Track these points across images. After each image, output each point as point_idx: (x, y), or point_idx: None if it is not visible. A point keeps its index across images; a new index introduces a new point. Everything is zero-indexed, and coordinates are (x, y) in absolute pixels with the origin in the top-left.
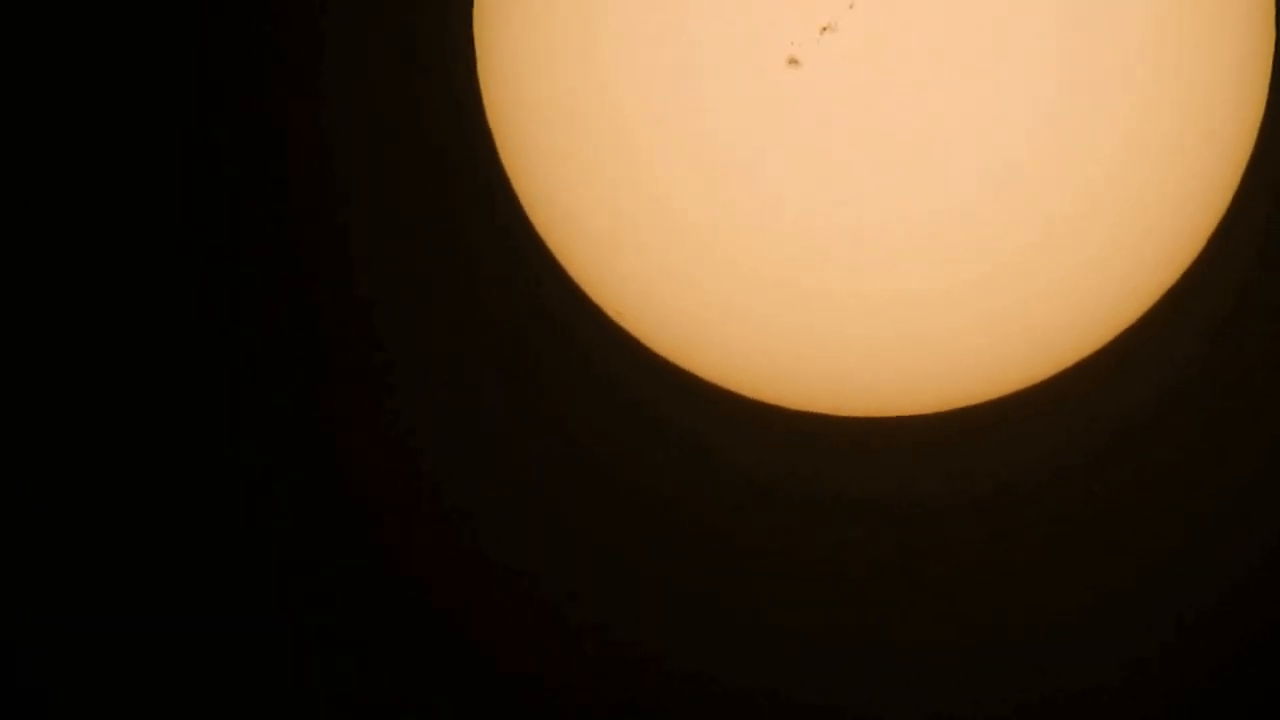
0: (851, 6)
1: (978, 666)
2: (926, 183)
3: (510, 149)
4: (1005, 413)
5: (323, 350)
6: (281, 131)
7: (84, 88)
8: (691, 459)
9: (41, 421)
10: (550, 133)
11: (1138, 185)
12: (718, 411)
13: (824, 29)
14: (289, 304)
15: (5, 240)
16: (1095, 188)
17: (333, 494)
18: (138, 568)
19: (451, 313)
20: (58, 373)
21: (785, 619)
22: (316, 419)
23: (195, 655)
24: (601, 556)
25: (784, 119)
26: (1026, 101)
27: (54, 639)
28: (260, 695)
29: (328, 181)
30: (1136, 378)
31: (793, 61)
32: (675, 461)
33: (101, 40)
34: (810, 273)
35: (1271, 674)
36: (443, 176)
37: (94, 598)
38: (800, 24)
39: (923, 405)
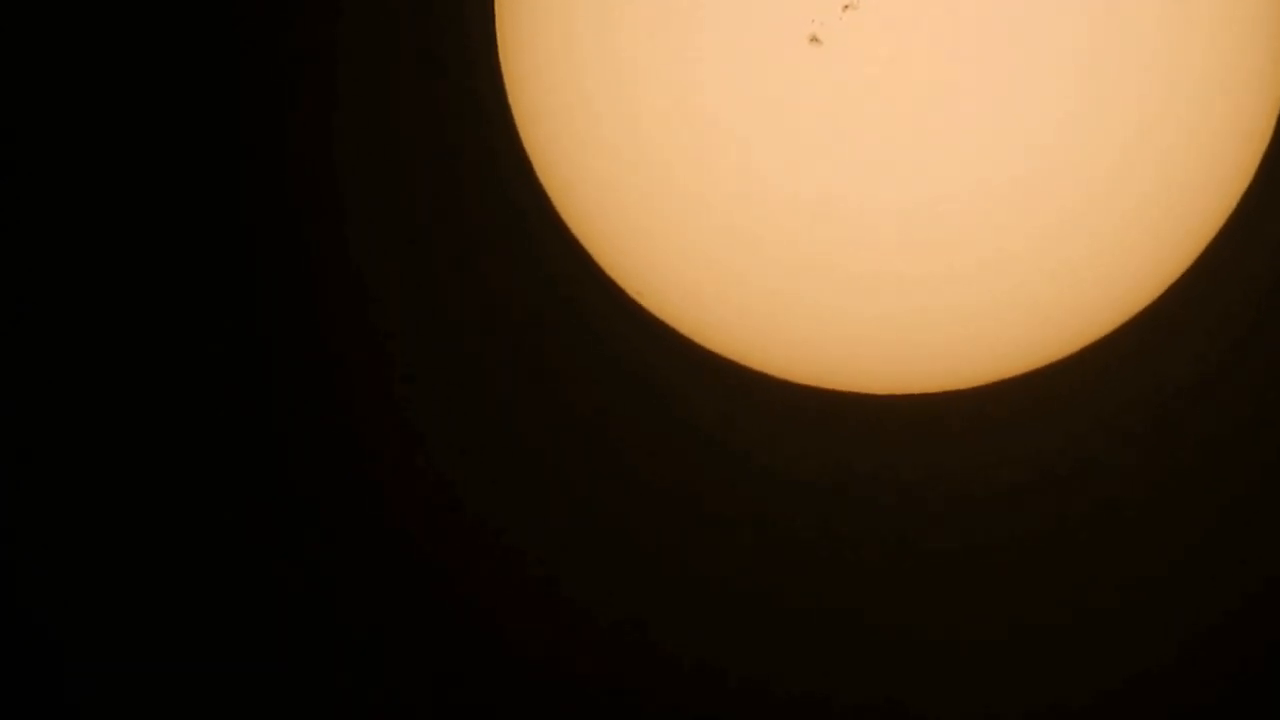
0: None
1: (992, 655)
2: (947, 162)
3: (531, 130)
4: (1025, 390)
5: (334, 344)
6: (296, 126)
7: (95, 85)
8: (714, 441)
9: (52, 432)
10: (570, 113)
11: (1155, 168)
12: (742, 391)
13: (846, 6)
14: (302, 301)
15: (26, 251)
16: (1117, 171)
17: (351, 489)
18: (150, 578)
19: (471, 304)
20: (68, 382)
21: (798, 603)
22: (330, 415)
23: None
24: (621, 540)
25: (806, 97)
26: (1049, 82)
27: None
28: (281, 698)
29: (341, 173)
30: (1151, 362)
31: (814, 40)
32: (696, 442)
33: (117, 38)
34: (831, 251)
35: None
36: (464, 163)
37: (100, 614)
38: (822, 1)
39: (938, 384)
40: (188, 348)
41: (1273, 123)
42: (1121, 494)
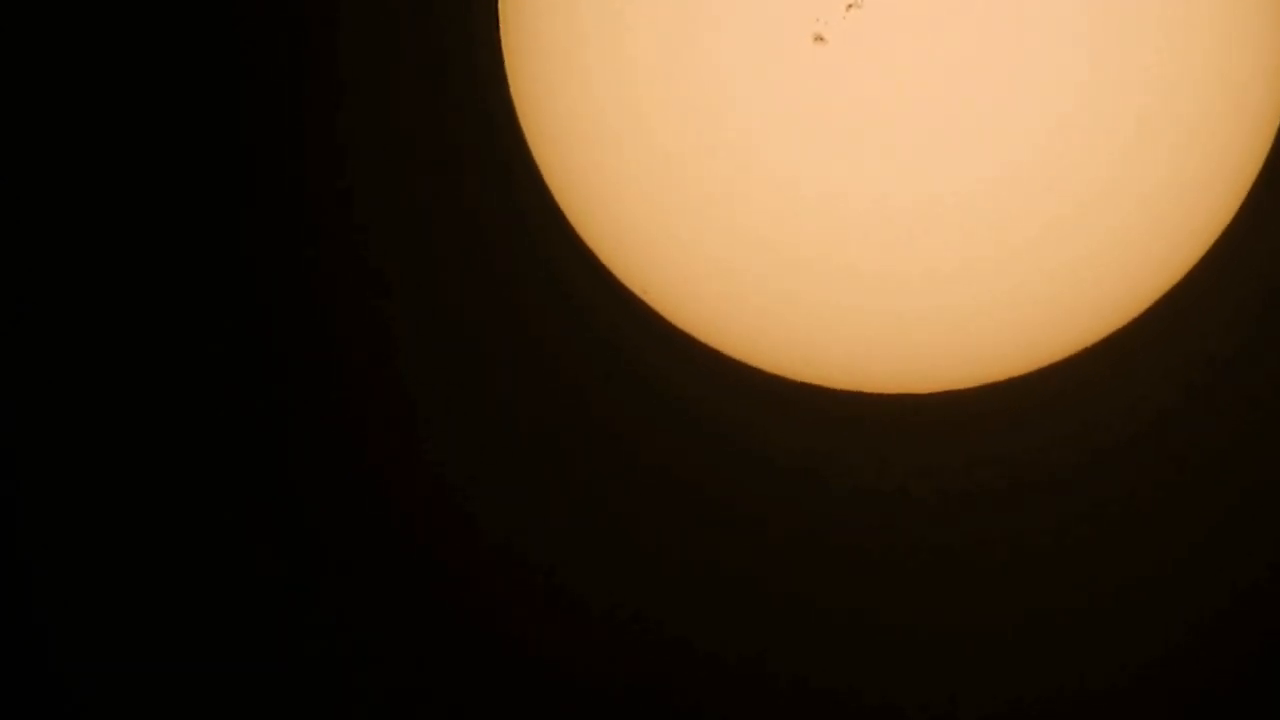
0: None
1: (993, 653)
2: (951, 160)
3: (535, 128)
4: (1026, 390)
5: (335, 345)
6: (297, 126)
7: (97, 86)
8: (715, 438)
9: (52, 432)
10: (574, 112)
11: (1158, 168)
12: (743, 388)
13: (850, 5)
14: (303, 301)
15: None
16: (1120, 170)
17: (351, 489)
18: (151, 578)
19: (473, 303)
20: (69, 382)
21: (799, 601)
22: (330, 416)
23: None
24: (623, 539)
25: (810, 96)
26: (1052, 81)
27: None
28: (281, 698)
29: (342, 172)
30: (1153, 362)
31: (819, 39)
32: (697, 439)
33: (117, 39)
34: (833, 249)
35: None
36: (467, 162)
37: (101, 611)
38: (827, 0)
39: (939, 384)
40: (188, 348)
41: (1277, 123)
42: (1122, 494)
